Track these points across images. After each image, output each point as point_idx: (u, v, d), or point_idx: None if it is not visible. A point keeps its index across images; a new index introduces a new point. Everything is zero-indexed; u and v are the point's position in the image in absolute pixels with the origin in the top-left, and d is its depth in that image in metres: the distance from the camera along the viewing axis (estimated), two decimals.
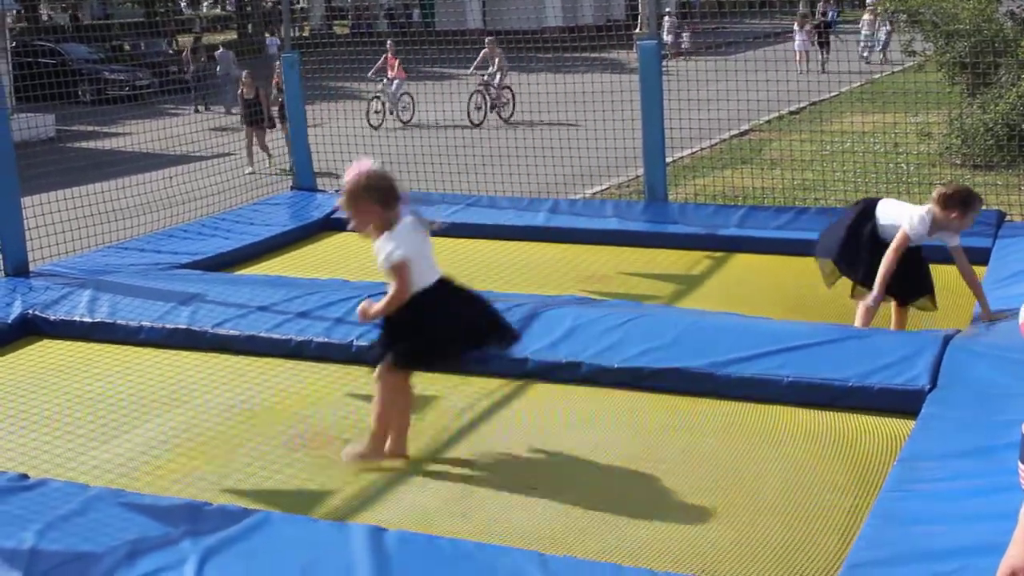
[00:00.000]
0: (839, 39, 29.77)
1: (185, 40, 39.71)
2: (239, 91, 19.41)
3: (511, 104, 22.38)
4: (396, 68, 22.50)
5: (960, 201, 6.79)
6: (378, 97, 22.40)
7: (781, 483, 5.34)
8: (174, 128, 14.14)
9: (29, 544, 4.53)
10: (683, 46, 31.11)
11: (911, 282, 7.15)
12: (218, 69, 28.38)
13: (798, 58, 28.74)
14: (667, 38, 31.78)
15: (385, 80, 22.64)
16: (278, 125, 18.66)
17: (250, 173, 16.84)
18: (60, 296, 8.45)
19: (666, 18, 33.67)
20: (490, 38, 23.45)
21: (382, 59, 22.87)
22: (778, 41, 30.94)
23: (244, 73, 19.15)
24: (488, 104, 22.15)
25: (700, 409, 6.24)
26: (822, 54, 29.85)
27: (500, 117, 22.03)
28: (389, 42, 23.91)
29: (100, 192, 11.75)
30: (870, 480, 5.29)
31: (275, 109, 18.60)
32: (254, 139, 18.42)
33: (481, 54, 23.08)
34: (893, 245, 6.89)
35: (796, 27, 30.68)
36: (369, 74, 22.09)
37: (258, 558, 4.40)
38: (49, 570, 4.39)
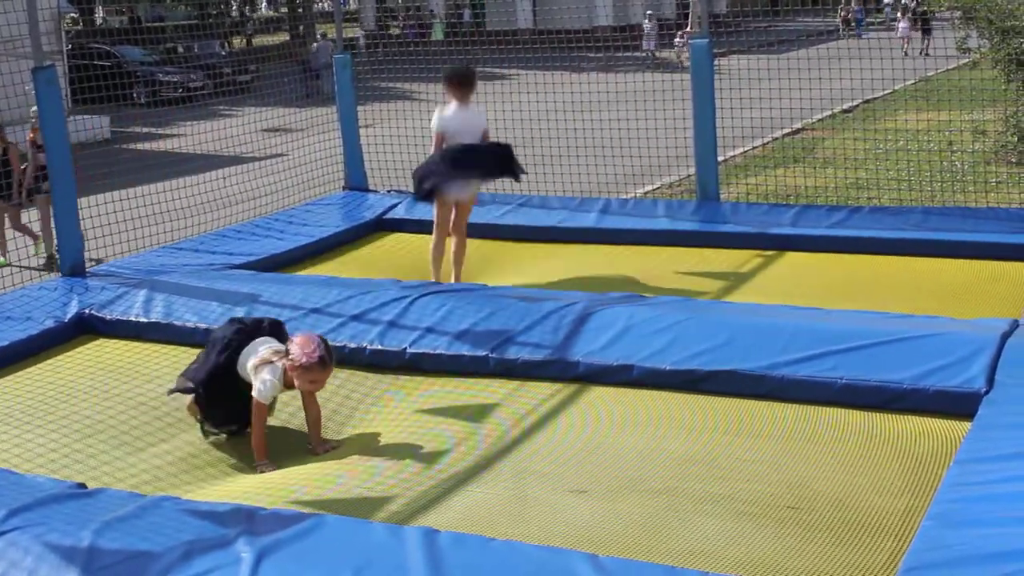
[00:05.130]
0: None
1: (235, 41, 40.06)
2: None
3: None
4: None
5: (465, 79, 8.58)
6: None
7: (835, 485, 5.30)
8: (228, 129, 14.21)
9: (87, 543, 4.58)
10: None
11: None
12: (320, 60, 28.70)
13: (903, 44, 31.46)
14: (647, 44, 32.35)
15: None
16: (36, 198, 13.92)
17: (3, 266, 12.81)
18: (115, 296, 8.53)
19: (646, 22, 33.87)
20: None
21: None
22: (830, 39, 31.15)
23: None
24: None
25: (753, 412, 6.20)
26: (924, 40, 31.78)
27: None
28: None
29: (154, 193, 11.87)
30: (925, 482, 5.24)
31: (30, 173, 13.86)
32: (5, 219, 14.21)
33: None
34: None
35: (899, 15, 33.35)
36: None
37: (311, 559, 4.43)
38: (106, 567, 4.43)
